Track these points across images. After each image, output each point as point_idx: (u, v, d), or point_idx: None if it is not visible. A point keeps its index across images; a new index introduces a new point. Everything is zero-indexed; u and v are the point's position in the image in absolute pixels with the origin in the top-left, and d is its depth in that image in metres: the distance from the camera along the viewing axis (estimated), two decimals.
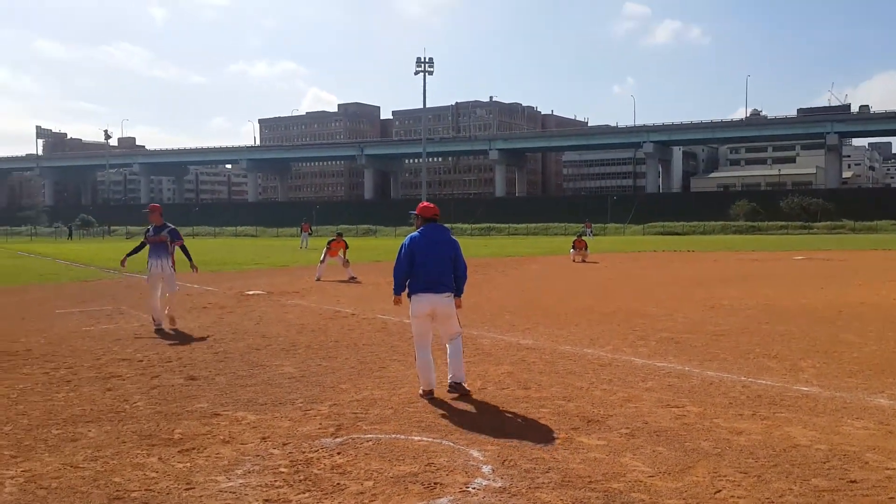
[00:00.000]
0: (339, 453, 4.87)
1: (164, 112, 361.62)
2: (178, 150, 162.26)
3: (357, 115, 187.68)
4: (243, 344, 9.30)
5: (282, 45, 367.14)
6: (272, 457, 4.82)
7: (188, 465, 4.69)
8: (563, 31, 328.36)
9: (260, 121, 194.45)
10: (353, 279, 19.19)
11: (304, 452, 4.90)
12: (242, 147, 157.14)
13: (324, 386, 6.89)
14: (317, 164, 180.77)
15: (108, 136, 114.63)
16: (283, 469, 4.58)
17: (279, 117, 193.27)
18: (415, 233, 6.67)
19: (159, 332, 10.33)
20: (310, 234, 45.95)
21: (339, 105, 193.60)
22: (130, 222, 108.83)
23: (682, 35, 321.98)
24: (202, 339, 9.76)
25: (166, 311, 10.74)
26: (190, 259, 11.28)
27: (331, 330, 10.49)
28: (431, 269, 6.45)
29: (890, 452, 4.75)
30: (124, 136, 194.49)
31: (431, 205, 6.79)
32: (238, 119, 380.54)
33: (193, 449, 5.00)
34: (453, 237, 6.71)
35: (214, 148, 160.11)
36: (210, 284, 18.12)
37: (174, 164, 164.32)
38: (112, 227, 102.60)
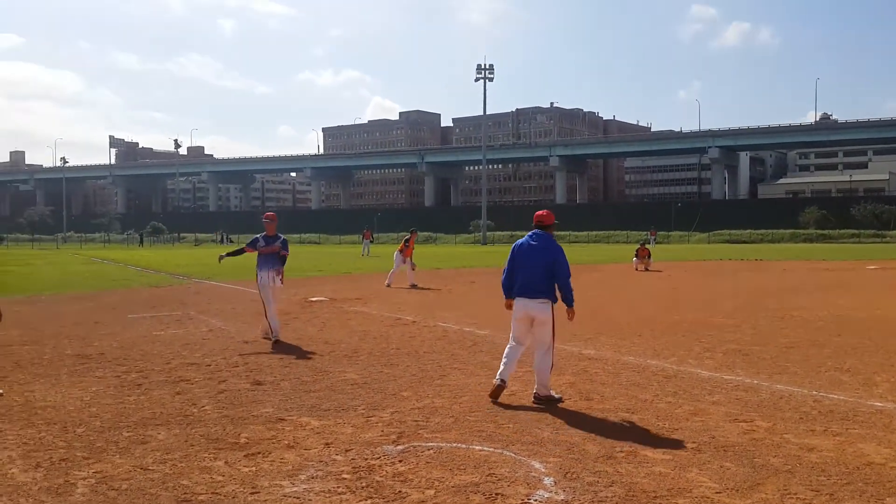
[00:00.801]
0: (400, 461, 4.89)
1: (231, 121, 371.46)
2: (245, 158, 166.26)
3: (418, 123, 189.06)
4: (307, 350, 9.44)
5: (347, 53, 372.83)
6: (335, 463, 4.88)
7: (253, 469, 4.77)
8: (627, 35, 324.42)
9: (323, 129, 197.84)
10: (414, 286, 19.30)
11: (366, 459, 4.94)
12: (306, 156, 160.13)
13: (385, 393, 6.94)
14: (378, 171, 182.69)
15: (177, 146, 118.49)
16: (345, 475, 4.62)
17: (342, 126, 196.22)
18: (521, 239, 6.91)
19: (276, 343, 9.87)
20: (371, 242, 46.45)
21: (400, 113, 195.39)
22: (199, 229, 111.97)
23: (751, 37, 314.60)
24: (268, 344, 9.94)
25: (262, 324, 10.33)
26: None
27: (392, 337, 10.57)
28: (527, 274, 6.66)
29: None
30: (193, 145, 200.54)
31: (543, 212, 6.93)
32: (303, 128, 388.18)
33: (259, 453, 5.09)
34: (556, 244, 6.76)
35: (279, 157, 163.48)
36: None
37: (241, 173, 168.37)
38: (181, 234, 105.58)
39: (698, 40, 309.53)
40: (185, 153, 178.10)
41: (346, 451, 5.13)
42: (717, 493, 4.30)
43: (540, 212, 6.94)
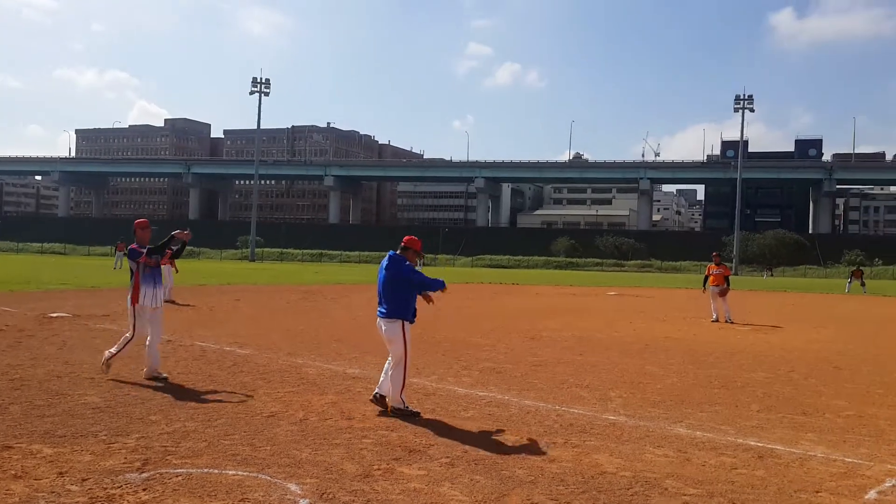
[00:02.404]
0: (144, 489, 4.54)
1: None
2: None
3: (185, 132, 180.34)
4: (43, 371, 8.52)
5: (113, 52, 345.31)
6: (69, 493, 4.42)
7: None
8: (408, 64, 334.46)
9: (77, 131, 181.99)
10: (171, 301, 18.36)
11: (105, 489, 4.53)
12: (55, 158, 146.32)
13: (131, 417, 6.43)
14: (138, 180, 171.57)
15: None
16: None
17: (99, 129, 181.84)
18: None
19: (159, 381, 8.12)
20: (125, 254, 43.39)
21: (165, 120, 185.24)
22: None
23: (520, 77, 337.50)
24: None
25: (149, 358, 8.35)
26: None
27: (143, 357, 9.84)
28: (379, 294, 7.08)
29: (687, 479, 5.11)
30: None
31: (407, 237, 7.18)
32: (57, 129, 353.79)
33: None
34: (401, 264, 6.96)
35: (22, 157, 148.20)
36: (8, 305, 16.54)
37: None
38: None
39: (474, 76, 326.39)
40: None
41: (83, 480, 4.67)
42: None
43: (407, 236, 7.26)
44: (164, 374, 8.34)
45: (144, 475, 4.82)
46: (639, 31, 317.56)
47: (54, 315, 14.60)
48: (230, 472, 4.94)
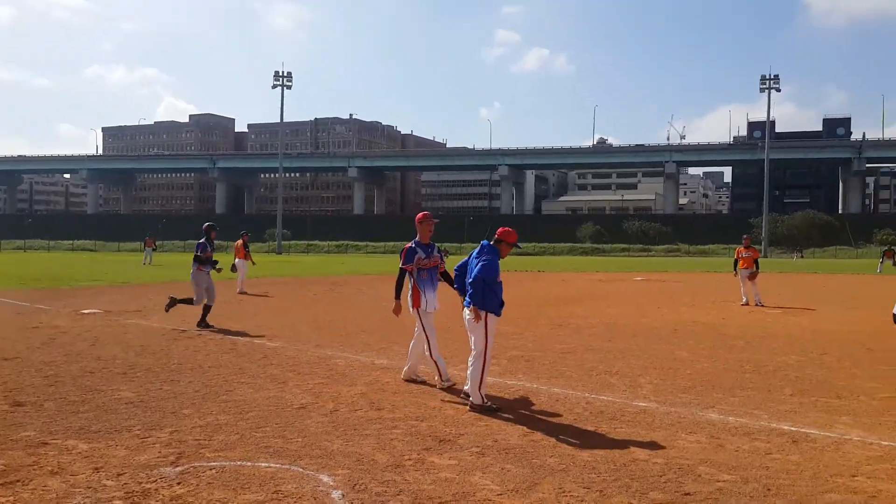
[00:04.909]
0: (179, 483, 4.60)
1: (1, 117, 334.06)
2: (10, 157, 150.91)
3: (210, 127, 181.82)
4: (76, 367, 8.66)
5: (141, 50, 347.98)
6: (105, 488, 4.49)
7: (11, 499, 4.28)
8: (434, 54, 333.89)
9: (104, 129, 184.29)
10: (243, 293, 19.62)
11: (140, 483, 4.59)
12: (83, 156, 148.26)
13: (164, 411, 6.51)
14: (164, 175, 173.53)
15: None
16: (117, 501, 4.27)
17: (125, 126, 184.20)
18: None
19: (451, 388, 7.70)
20: (154, 250, 43.87)
21: (190, 116, 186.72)
22: None
23: (549, 62, 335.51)
24: (16, 360, 8.99)
25: (413, 361, 8.15)
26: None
27: (174, 351, 9.97)
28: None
29: (720, 465, 5.06)
30: None
31: (501, 229, 7.22)
32: (89, 127, 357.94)
33: (18, 481, 4.58)
34: (487, 252, 6.95)
35: (51, 156, 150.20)
36: (41, 302, 16.82)
37: (5, 173, 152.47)
38: None
39: (501, 63, 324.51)
40: None
41: (119, 475, 4.74)
42: (498, 495, 4.45)
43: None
44: (423, 378, 8.03)
45: (179, 469, 4.88)
46: (668, 11, 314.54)
47: (86, 311, 14.82)
48: (263, 465, 4.98)
